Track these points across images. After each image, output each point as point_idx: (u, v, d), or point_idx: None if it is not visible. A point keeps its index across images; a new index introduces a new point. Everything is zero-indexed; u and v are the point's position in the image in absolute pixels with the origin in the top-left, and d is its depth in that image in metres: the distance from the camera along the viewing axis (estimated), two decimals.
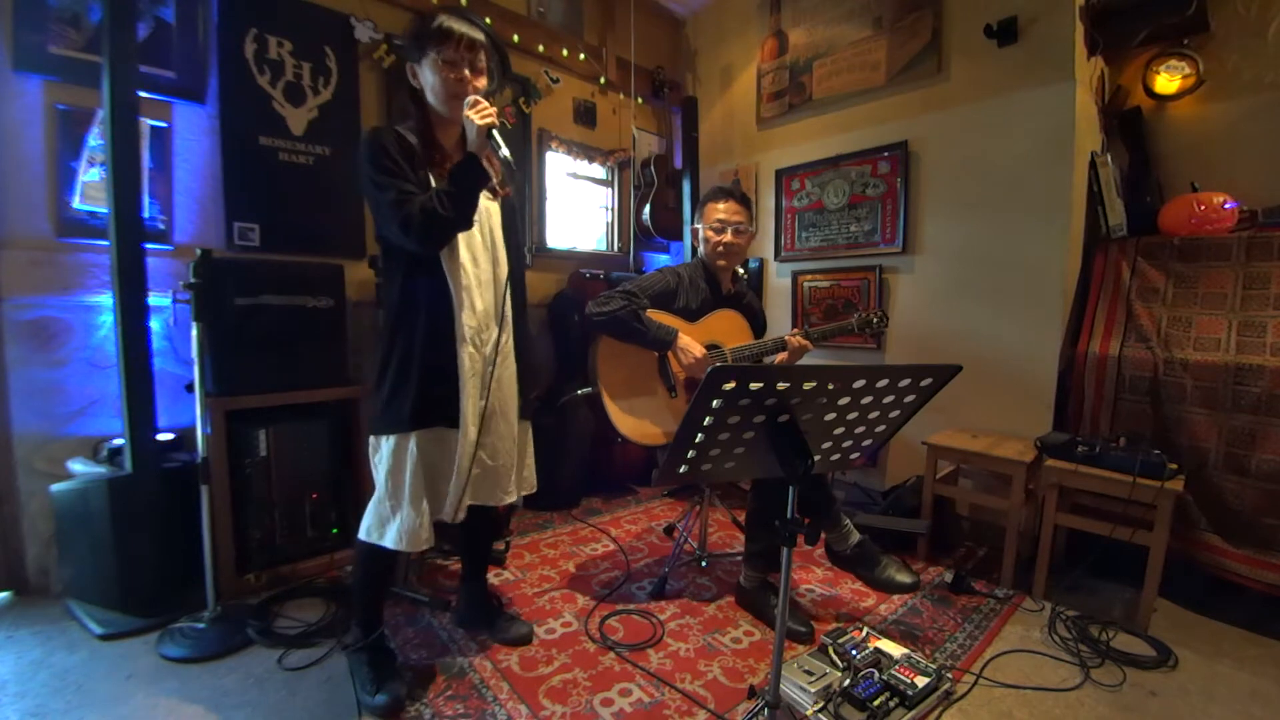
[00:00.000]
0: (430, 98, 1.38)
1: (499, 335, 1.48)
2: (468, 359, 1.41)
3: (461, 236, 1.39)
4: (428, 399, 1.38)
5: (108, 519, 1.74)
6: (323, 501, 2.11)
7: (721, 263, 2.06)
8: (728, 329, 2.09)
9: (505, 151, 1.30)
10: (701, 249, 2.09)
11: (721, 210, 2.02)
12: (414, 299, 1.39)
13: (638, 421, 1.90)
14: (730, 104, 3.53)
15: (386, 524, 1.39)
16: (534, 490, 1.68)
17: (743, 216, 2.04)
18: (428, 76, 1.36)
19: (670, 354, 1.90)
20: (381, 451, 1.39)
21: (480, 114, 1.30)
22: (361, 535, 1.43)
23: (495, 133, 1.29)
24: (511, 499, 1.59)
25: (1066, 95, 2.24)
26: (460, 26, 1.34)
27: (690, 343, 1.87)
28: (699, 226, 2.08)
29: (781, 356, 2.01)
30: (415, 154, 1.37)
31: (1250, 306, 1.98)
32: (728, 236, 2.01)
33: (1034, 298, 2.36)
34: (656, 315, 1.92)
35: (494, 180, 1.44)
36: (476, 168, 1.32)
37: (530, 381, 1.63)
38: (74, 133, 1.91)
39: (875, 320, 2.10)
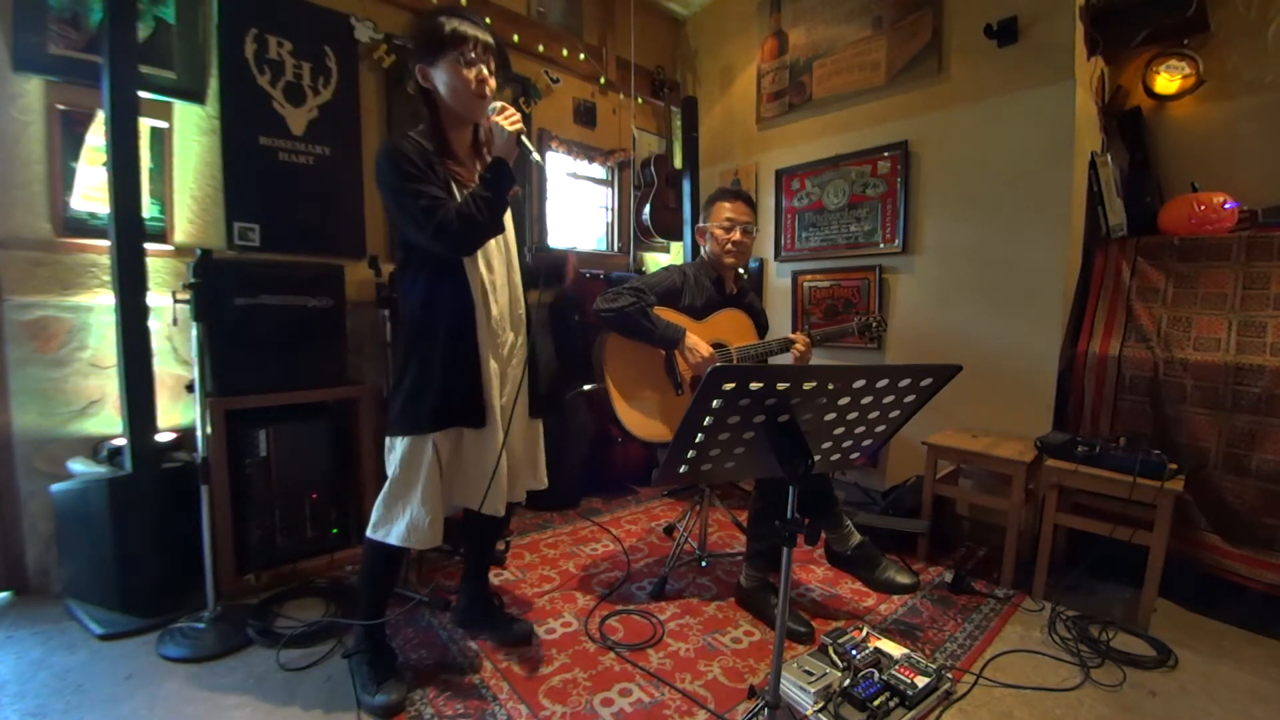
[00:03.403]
0: (449, 99, 1.38)
1: (514, 338, 1.52)
2: (492, 360, 1.45)
3: None
4: (449, 400, 1.40)
5: (108, 519, 1.74)
6: (323, 501, 2.10)
7: (729, 260, 2.07)
8: (733, 328, 2.09)
9: (536, 155, 1.38)
10: (709, 248, 2.11)
11: (730, 209, 2.05)
12: (437, 303, 1.41)
13: (643, 418, 1.90)
14: (730, 104, 3.53)
15: (395, 521, 1.40)
16: (545, 486, 1.70)
17: (750, 216, 2.08)
18: (445, 78, 1.36)
19: (677, 352, 1.91)
20: (396, 450, 1.40)
21: (509, 120, 1.35)
22: (368, 532, 1.44)
23: (524, 138, 1.36)
24: (521, 497, 1.62)
25: (1066, 95, 2.24)
26: (473, 30, 1.37)
27: (698, 342, 1.88)
28: (706, 226, 2.10)
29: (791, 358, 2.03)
30: (432, 158, 1.38)
31: (1250, 306, 1.98)
32: (736, 235, 2.04)
33: (1034, 298, 2.36)
34: (663, 313, 1.93)
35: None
36: (508, 172, 1.36)
37: (539, 381, 1.68)
38: (74, 133, 1.91)
39: (874, 324, 2.18)
